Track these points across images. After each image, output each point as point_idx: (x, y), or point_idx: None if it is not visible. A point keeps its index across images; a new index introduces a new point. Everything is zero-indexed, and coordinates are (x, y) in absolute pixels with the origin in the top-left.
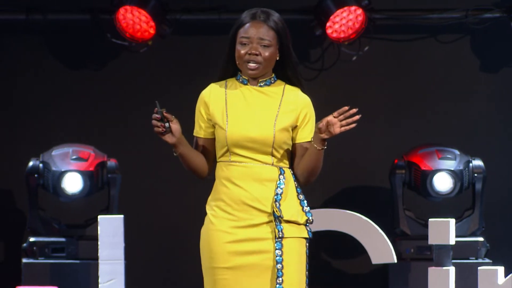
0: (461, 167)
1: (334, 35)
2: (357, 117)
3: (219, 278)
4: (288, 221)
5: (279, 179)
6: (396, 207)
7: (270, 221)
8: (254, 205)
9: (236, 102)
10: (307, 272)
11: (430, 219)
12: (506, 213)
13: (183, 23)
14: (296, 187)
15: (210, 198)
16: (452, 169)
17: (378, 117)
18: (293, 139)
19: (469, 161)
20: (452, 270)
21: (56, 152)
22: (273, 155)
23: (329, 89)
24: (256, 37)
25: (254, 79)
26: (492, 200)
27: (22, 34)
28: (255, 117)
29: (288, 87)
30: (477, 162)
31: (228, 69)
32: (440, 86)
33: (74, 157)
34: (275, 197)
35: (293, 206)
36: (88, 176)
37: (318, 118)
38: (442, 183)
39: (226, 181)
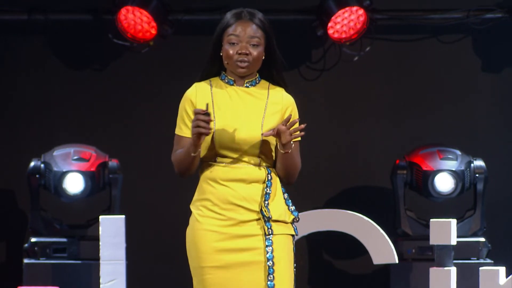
0: (463, 168)
1: (336, 35)
2: (302, 133)
3: (208, 277)
4: (276, 221)
5: (267, 179)
6: (397, 207)
7: (258, 219)
8: (242, 204)
9: (222, 102)
10: (295, 270)
11: (431, 220)
12: (508, 213)
13: (184, 23)
14: (282, 187)
15: (195, 198)
16: (454, 169)
17: (380, 117)
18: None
19: (471, 162)
20: (453, 270)
21: (57, 152)
22: (260, 156)
23: (330, 89)
24: (246, 36)
25: (240, 80)
26: (494, 200)
27: (24, 34)
28: (242, 118)
29: (272, 87)
30: (479, 163)
31: (211, 70)
32: (441, 87)
33: (75, 157)
34: (264, 196)
35: (280, 206)
36: (89, 176)
37: (318, 117)
38: (444, 183)
39: (213, 182)
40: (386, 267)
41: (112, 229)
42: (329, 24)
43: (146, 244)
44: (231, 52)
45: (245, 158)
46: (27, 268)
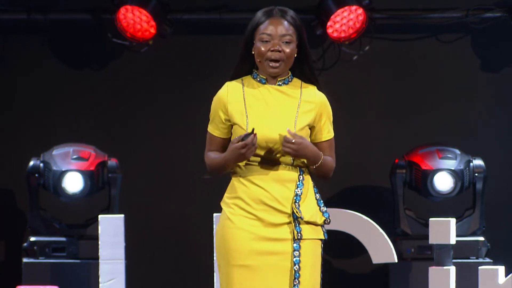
0: (462, 167)
1: (335, 34)
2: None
3: (236, 276)
4: (307, 222)
5: (299, 179)
6: (396, 206)
7: (289, 222)
8: (274, 205)
9: (255, 102)
10: (321, 274)
11: (430, 219)
12: (507, 212)
13: (183, 22)
14: (314, 187)
15: (226, 195)
16: (453, 168)
17: (379, 116)
18: (312, 139)
19: (470, 161)
20: (452, 269)
21: (56, 151)
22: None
23: (329, 88)
24: (278, 34)
25: (273, 78)
26: (493, 199)
27: (23, 33)
28: (275, 118)
29: (304, 85)
30: (478, 162)
31: (243, 68)
32: (440, 86)
33: (74, 156)
34: (295, 198)
35: (311, 206)
36: (88, 175)
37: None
38: (443, 182)
39: (245, 181)
40: (385, 267)
41: (111, 229)
42: (328, 23)
43: (145, 244)
44: (263, 49)
45: (278, 157)
46: (26, 267)
